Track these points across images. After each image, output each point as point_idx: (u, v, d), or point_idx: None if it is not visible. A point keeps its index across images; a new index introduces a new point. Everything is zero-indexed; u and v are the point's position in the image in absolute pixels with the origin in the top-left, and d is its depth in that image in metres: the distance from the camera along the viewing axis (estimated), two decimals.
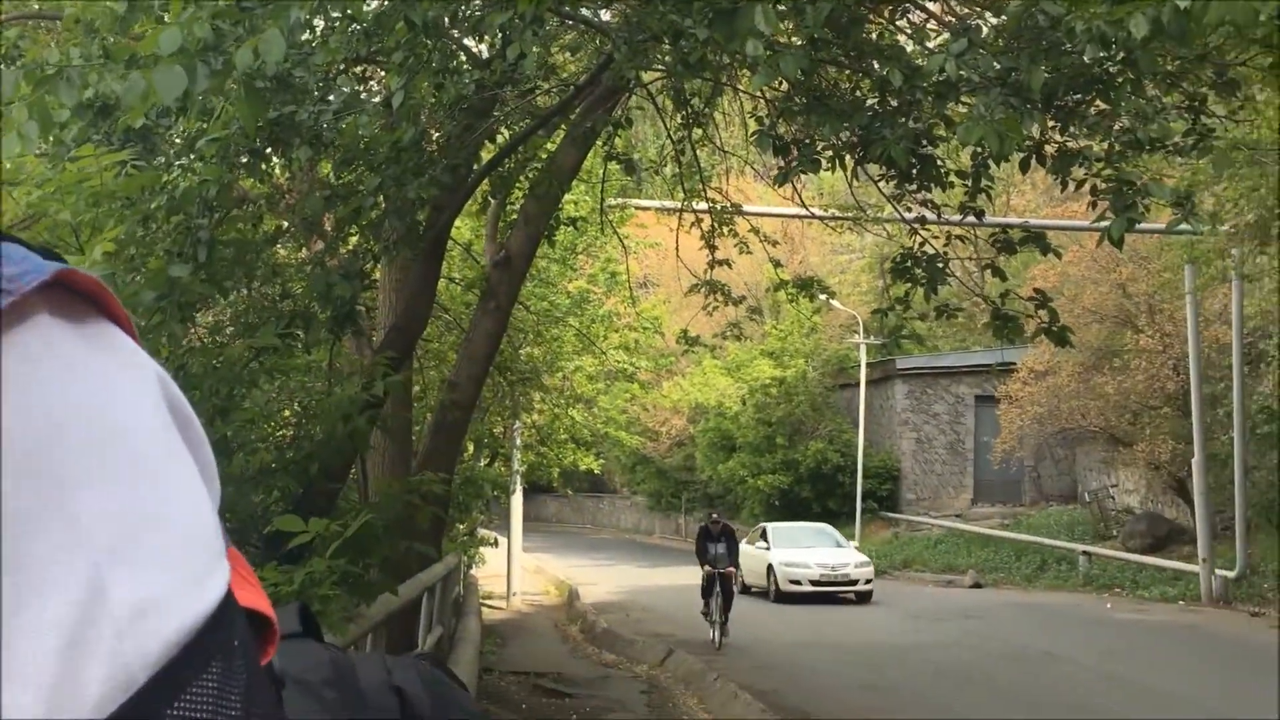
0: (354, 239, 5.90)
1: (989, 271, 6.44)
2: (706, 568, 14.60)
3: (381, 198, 4.99)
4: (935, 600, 19.37)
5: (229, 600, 0.53)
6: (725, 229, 10.71)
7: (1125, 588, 19.09)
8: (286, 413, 8.37)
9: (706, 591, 14.68)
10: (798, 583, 19.39)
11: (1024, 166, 4.99)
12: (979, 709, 9.89)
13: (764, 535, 21.15)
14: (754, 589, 20.05)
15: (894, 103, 4.81)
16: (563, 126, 8.13)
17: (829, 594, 19.04)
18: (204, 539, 0.53)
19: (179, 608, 0.49)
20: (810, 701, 10.26)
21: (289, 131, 5.21)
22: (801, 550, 20.09)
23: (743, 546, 19.86)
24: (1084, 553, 21.04)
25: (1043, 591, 20.36)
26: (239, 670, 0.52)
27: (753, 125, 6.27)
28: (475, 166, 6.29)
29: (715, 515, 16.16)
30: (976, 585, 21.49)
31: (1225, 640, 13.64)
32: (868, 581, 19.43)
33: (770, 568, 19.94)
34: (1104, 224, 4.37)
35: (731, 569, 14.63)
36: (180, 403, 0.57)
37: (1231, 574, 17.28)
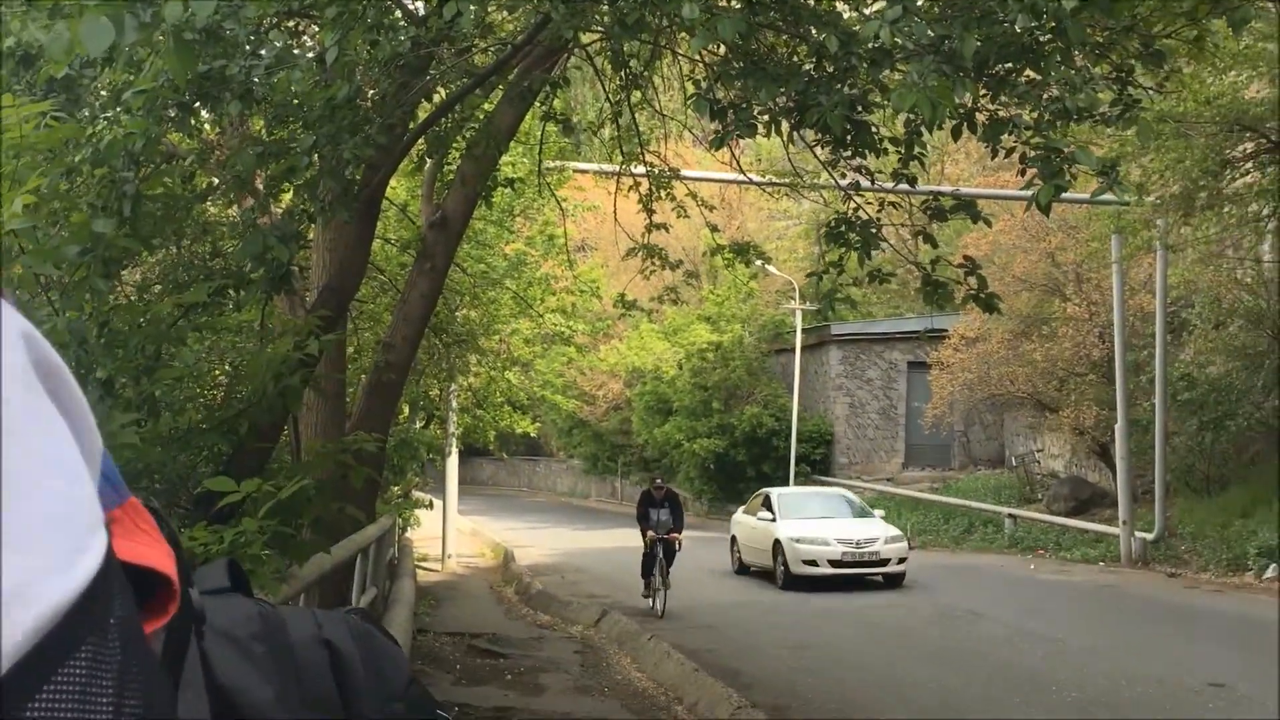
0: (287, 198, 5.82)
1: (921, 238, 6.54)
2: (650, 534, 13.75)
3: (316, 156, 4.93)
4: None
5: (104, 574, 0.50)
6: (663, 193, 10.72)
7: (1049, 549, 19.60)
8: (217, 373, 8.27)
9: (649, 563, 13.73)
10: (814, 563, 15.82)
11: (956, 134, 5.07)
12: (905, 666, 10.13)
13: (767, 503, 17.55)
14: (754, 569, 17.37)
15: (830, 69, 4.85)
16: (500, 87, 8.07)
17: (853, 577, 15.62)
18: (73, 512, 0.50)
19: (42, 593, 0.46)
20: (742, 660, 10.43)
21: (219, 86, 5.10)
22: (817, 522, 16.52)
23: (740, 517, 18.27)
24: (1010, 515, 21.54)
25: (970, 553, 20.84)
26: (113, 650, 0.49)
27: (691, 89, 6.28)
28: (411, 125, 6.23)
29: (659, 480, 15.07)
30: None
31: (1142, 600, 14.09)
32: (900, 561, 15.81)
33: (778, 545, 16.28)
34: (1033, 191, 4.46)
35: (676, 534, 13.78)
36: (51, 363, 0.53)
37: (1150, 536, 17.81)
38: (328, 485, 5.68)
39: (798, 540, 15.98)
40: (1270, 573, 15.10)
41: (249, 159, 5.11)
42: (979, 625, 12.17)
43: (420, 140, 7.28)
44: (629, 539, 24.42)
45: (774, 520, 16.77)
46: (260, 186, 6.24)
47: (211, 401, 7.48)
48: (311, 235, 7.97)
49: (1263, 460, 17.98)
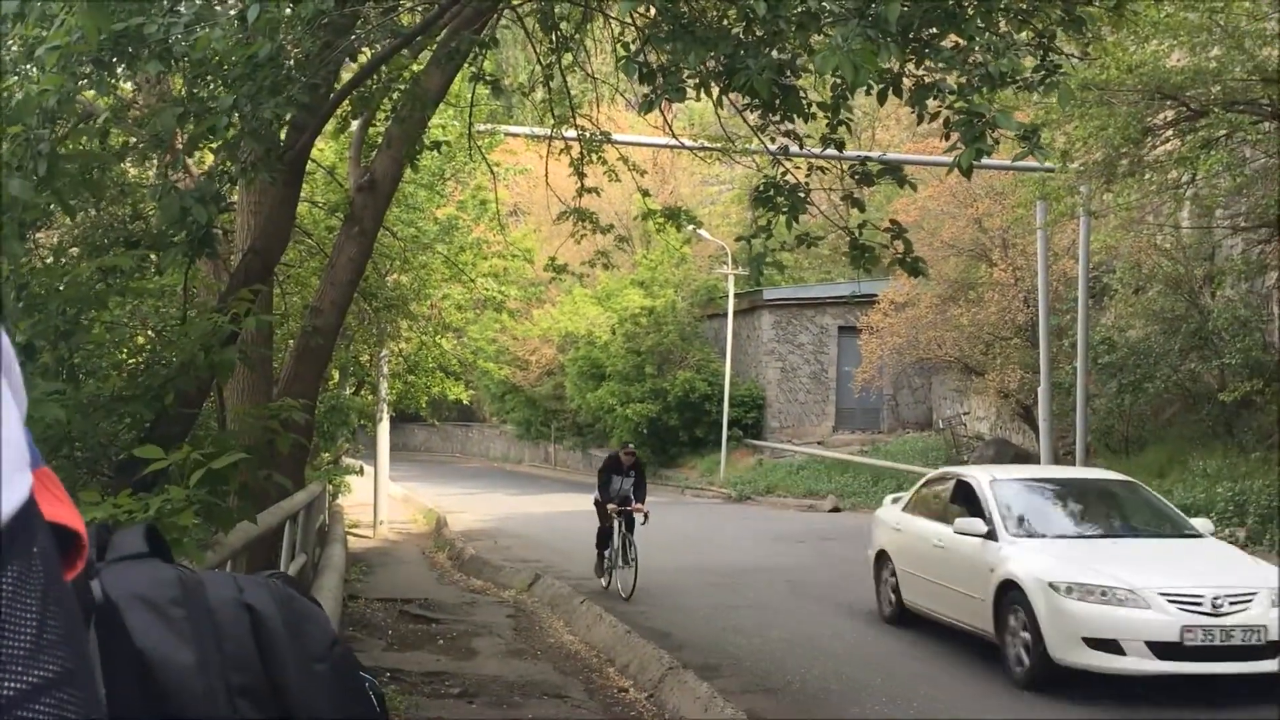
0: (209, 159, 5.70)
1: (849, 203, 6.60)
2: (611, 506, 12.48)
3: (236, 116, 4.83)
4: (796, 523, 20.00)
5: (27, 510, 0.55)
6: (594, 157, 10.68)
7: None
8: (140, 339, 8.10)
9: (605, 538, 12.65)
10: (1113, 646, 7.56)
11: (881, 98, 5.13)
12: (831, 622, 10.33)
13: (968, 497, 9.44)
14: (933, 619, 9.57)
15: (759, 32, 4.86)
16: (430, 48, 7.95)
17: (1204, 680, 7.54)
18: (9, 449, 0.55)
19: None
20: (672, 622, 10.55)
21: (137, 44, 4.97)
22: (1099, 549, 8.53)
23: (897, 516, 10.58)
24: None
25: None
26: (36, 574, 0.53)
27: (621, 53, 6.25)
28: (336, 86, 6.12)
29: (630, 446, 13.57)
30: (836, 509, 22.26)
31: None
32: None
33: (1011, 595, 8.21)
34: (955, 154, 4.53)
35: (640, 505, 12.49)
36: None
37: None
38: (254, 452, 5.62)
39: (1067, 589, 7.76)
40: None
41: (168, 119, 5.00)
42: None
43: (346, 101, 7.16)
44: (562, 504, 24.51)
45: (993, 538, 8.68)
46: (180, 147, 6.10)
47: (135, 367, 7.34)
48: (235, 198, 7.83)
49: (1178, 422, 18.53)
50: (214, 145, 5.30)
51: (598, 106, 11.51)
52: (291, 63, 5.01)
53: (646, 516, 12.42)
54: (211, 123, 4.68)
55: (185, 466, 4.61)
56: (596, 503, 12.88)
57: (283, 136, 5.43)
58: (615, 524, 12.39)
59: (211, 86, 5.18)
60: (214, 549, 5.13)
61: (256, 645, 0.97)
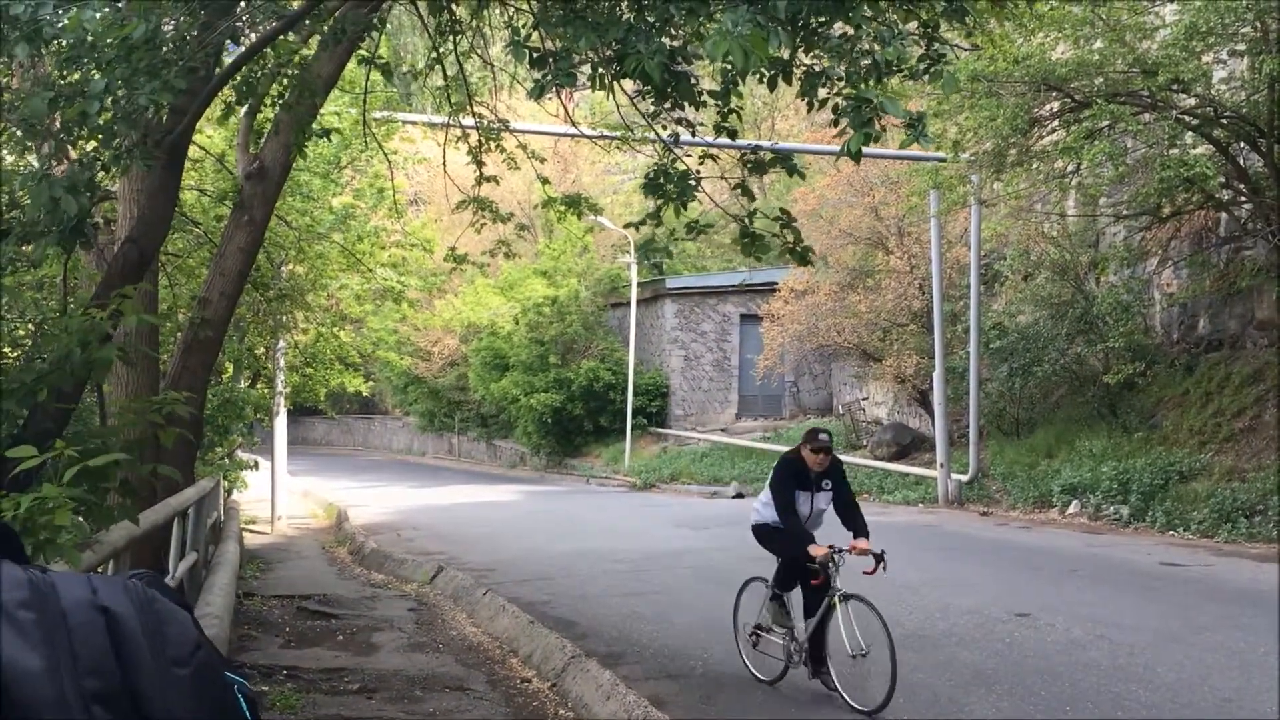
0: (85, 145, 5.49)
1: (740, 191, 6.64)
2: (819, 550, 7.01)
3: (110, 100, 4.65)
4: (700, 510, 20.16)
5: None
6: (493, 145, 10.57)
7: (873, 492, 20.43)
8: (21, 331, 7.79)
9: (788, 581, 7.49)
10: None
11: (771, 85, 5.17)
12: (731, 607, 10.42)
13: None
14: None
15: (651, 18, 4.85)
16: (321, 33, 7.77)
17: None
18: None
19: None
20: (577, 610, 10.54)
21: (5, 25, 4.76)
22: None
23: None
24: None
25: None
26: None
27: (512, 37, 6.18)
28: (218, 70, 5.95)
29: (823, 434, 7.33)
30: (739, 495, 22.49)
31: (957, 537, 14.85)
32: None
33: None
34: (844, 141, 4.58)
35: (866, 544, 7.02)
36: None
37: (965, 478, 18.77)
38: (138, 446, 5.44)
39: None
40: (1072, 508, 16.13)
41: (37, 104, 4.79)
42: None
43: (231, 87, 6.96)
44: (466, 495, 24.33)
45: None
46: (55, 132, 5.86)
47: (12, 363, 7.06)
48: (115, 186, 7.57)
49: (1066, 404, 19.14)
50: (87, 131, 5.10)
51: (495, 94, 11.40)
52: (169, 46, 4.85)
53: (882, 563, 6.88)
54: (83, 107, 4.51)
55: (60, 464, 4.45)
56: (764, 532, 7.61)
57: (159, 120, 5.25)
58: (828, 574, 7.02)
59: (86, 70, 4.98)
60: (93, 548, 4.96)
61: (113, 649, 0.93)
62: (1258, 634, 8.54)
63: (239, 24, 5.39)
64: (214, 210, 12.71)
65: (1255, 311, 16.45)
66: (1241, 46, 13.80)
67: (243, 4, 5.35)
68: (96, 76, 4.67)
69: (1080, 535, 14.53)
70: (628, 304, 30.23)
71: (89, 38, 4.78)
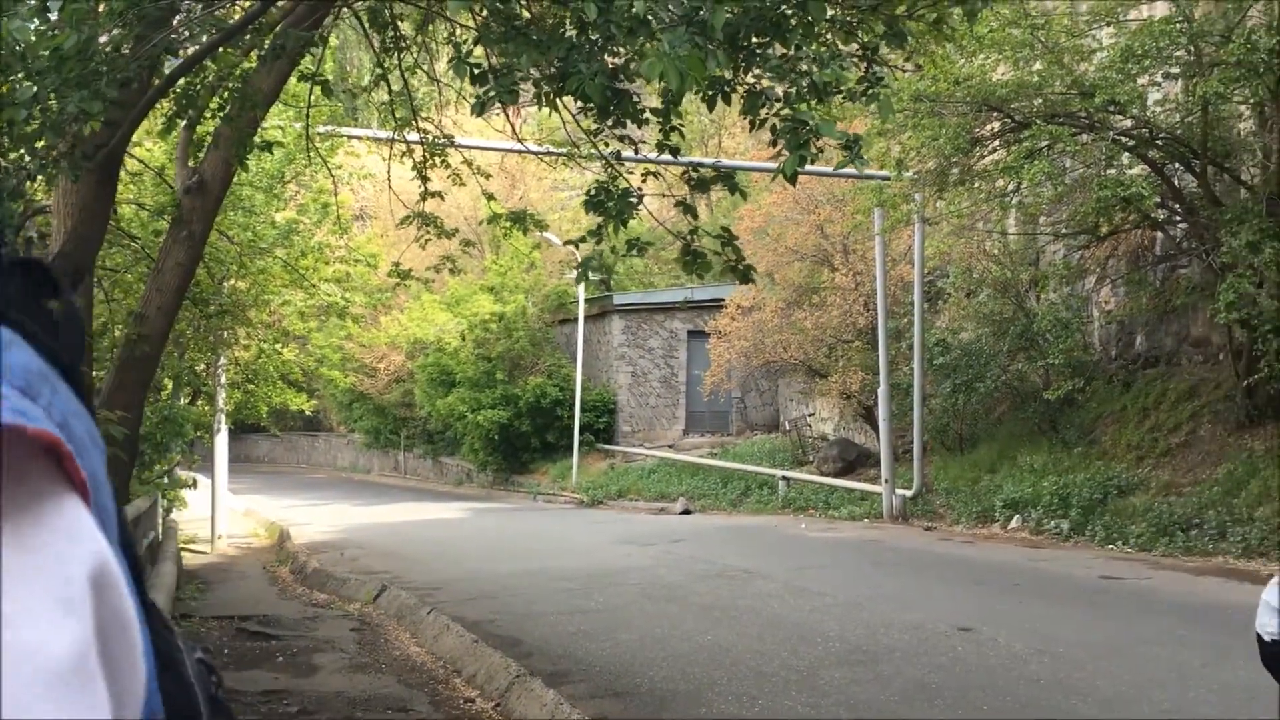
0: (12, 155, 5.37)
1: (682, 209, 6.67)
2: None
3: (38, 109, 4.56)
4: (647, 526, 20.14)
5: None
6: (439, 160, 10.51)
7: (819, 508, 20.54)
8: None
9: None
10: None
11: (710, 105, 5.20)
12: (680, 624, 10.41)
13: None
14: None
15: (593, 36, 4.86)
16: (264, 46, 7.69)
17: None
18: None
19: None
20: (522, 629, 10.46)
21: None
22: None
23: None
24: (783, 478, 22.43)
25: (746, 514, 21.59)
26: None
27: (453, 54, 6.16)
28: (155, 82, 5.86)
29: None
30: (686, 511, 22.51)
31: (902, 552, 14.96)
32: None
33: None
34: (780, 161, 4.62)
35: None
36: (116, 601, 0.56)
37: (909, 493, 18.93)
38: None
39: None
40: (1014, 523, 16.33)
41: None
42: (752, 583, 12.63)
43: (170, 100, 6.87)
44: (412, 513, 24.09)
45: None
46: None
47: None
48: (50, 200, 7.42)
49: (1008, 419, 19.40)
50: (14, 141, 4.99)
51: (440, 110, 11.34)
52: (102, 56, 4.76)
53: None
54: (10, 115, 4.41)
55: None
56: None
57: (89, 131, 5.15)
58: None
59: (14, 79, 4.88)
60: None
61: None
62: (1195, 647, 8.69)
63: (175, 36, 5.32)
64: (153, 225, 12.50)
65: (1190, 329, 16.81)
66: (1176, 70, 14.13)
67: (179, 18, 5.28)
68: (24, 85, 4.58)
69: (1022, 550, 14.72)
70: (575, 320, 30.19)
71: (18, 47, 4.69)
